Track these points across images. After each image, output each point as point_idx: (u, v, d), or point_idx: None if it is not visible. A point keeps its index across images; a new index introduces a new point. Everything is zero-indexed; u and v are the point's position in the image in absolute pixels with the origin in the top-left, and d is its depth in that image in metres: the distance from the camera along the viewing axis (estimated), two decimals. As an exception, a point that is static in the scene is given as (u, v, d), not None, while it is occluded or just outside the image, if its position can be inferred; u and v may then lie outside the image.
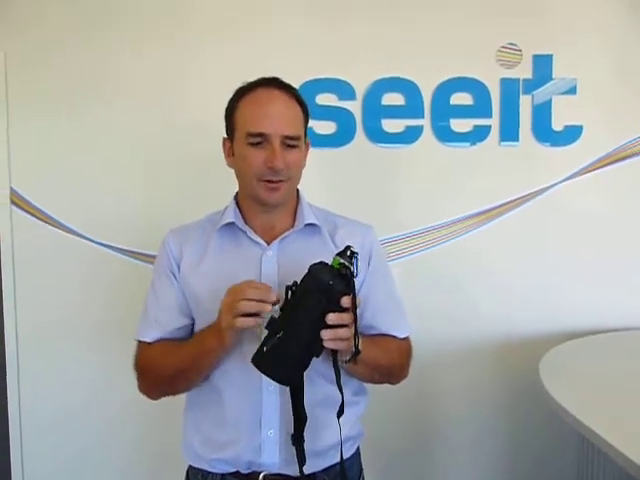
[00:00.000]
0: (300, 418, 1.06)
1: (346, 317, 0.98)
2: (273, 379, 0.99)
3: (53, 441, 1.98)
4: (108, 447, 1.98)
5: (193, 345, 1.11)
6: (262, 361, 0.97)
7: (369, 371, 1.15)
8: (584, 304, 2.01)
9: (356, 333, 1.00)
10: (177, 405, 1.22)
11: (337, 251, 0.99)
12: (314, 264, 0.98)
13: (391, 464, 2.01)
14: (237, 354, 1.08)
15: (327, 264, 0.98)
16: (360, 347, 1.02)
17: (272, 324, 0.98)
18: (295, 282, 0.98)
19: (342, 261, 0.97)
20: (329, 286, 0.95)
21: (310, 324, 0.96)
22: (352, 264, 0.98)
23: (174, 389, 1.18)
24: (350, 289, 0.98)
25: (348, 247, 0.99)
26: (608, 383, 1.54)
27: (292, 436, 1.07)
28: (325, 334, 0.96)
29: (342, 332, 0.98)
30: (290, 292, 0.98)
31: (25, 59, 1.87)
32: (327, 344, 0.97)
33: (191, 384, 1.16)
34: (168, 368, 1.12)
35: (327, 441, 1.12)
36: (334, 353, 1.01)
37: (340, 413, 1.04)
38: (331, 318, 0.96)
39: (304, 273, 0.98)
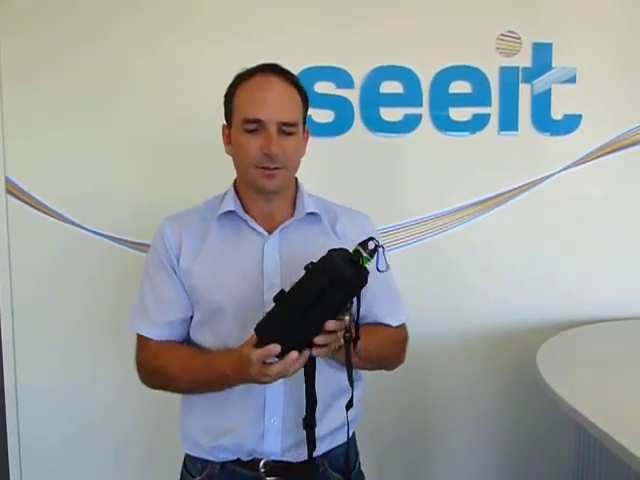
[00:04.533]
0: (311, 401, 1.06)
1: (340, 324, 0.98)
2: (263, 342, 0.99)
3: (49, 423, 1.97)
4: (103, 431, 1.98)
5: (210, 370, 1.10)
6: (259, 325, 0.99)
7: (359, 361, 1.14)
8: (583, 293, 2.01)
9: (357, 333, 1.01)
10: (174, 395, 1.21)
11: (360, 240, 0.98)
12: (334, 249, 0.98)
13: (388, 453, 2.02)
14: (241, 341, 1.07)
15: (349, 253, 0.97)
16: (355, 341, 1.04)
17: (279, 296, 0.99)
18: (312, 262, 0.98)
19: (366, 255, 0.96)
20: (338, 271, 0.95)
21: (308, 302, 0.96)
22: (369, 259, 0.96)
23: (181, 392, 1.19)
24: (360, 281, 0.97)
25: (371, 238, 0.97)
26: (606, 373, 1.55)
27: (303, 419, 1.07)
28: (319, 340, 0.98)
29: (331, 338, 0.99)
30: (305, 270, 0.98)
31: (19, 48, 1.84)
32: (317, 351, 1.00)
33: (196, 393, 1.17)
34: (181, 380, 1.13)
35: (326, 426, 1.12)
36: (347, 349, 1.02)
37: (349, 405, 1.07)
38: (330, 325, 0.97)
39: (305, 263, 0.98)
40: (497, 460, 2.08)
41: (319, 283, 0.95)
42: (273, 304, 0.99)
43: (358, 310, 1.01)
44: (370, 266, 0.98)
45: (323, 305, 0.96)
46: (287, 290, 0.98)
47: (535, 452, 2.06)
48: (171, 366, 1.13)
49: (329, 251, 0.98)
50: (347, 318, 0.99)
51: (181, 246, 1.16)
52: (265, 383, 1.03)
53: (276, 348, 0.97)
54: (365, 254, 0.96)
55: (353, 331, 1.01)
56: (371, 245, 0.96)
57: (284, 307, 0.98)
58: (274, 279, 1.12)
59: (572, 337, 1.84)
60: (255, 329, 0.99)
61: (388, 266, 0.98)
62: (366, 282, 0.98)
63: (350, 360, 1.03)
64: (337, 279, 0.95)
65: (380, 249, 0.97)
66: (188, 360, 1.13)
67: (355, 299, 1.01)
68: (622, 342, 1.81)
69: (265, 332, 0.99)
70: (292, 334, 0.98)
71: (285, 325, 0.97)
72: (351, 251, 0.97)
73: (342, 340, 1.01)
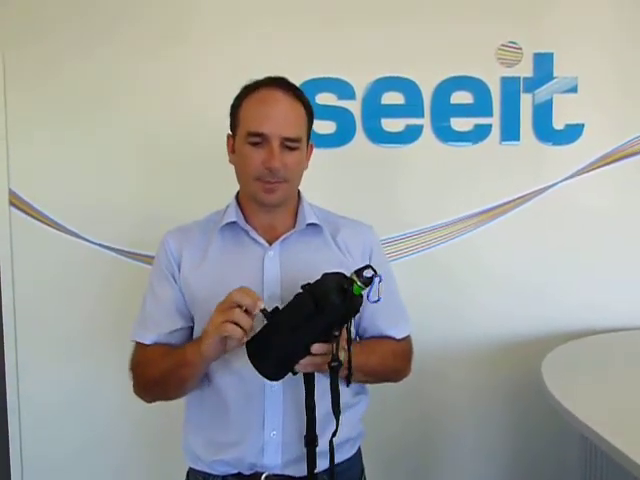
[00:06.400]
0: (311, 420, 1.06)
1: (328, 348, 0.97)
2: (251, 356, 0.99)
3: (51, 434, 1.97)
4: (105, 443, 1.98)
5: (175, 355, 1.09)
6: (251, 339, 0.99)
7: (361, 376, 1.14)
8: (587, 303, 1.99)
9: (350, 366, 1.00)
10: (176, 403, 1.20)
11: (357, 267, 0.96)
12: (330, 273, 0.97)
13: (392, 463, 2.00)
14: (240, 355, 1.06)
15: (343, 279, 0.95)
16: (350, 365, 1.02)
17: (272, 313, 0.98)
18: (309, 283, 0.97)
19: (359, 284, 0.93)
20: (326, 296, 0.93)
21: (294, 323, 0.95)
22: (362, 288, 0.94)
23: (162, 395, 1.18)
24: (348, 309, 0.95)
25: (368, 267, 0.95)
26: (610, 383, 1.53)
27: (305, 437, 1.07)
28: (303, 360, 0.98)
29: (318, 359, 0.99)
30: (302, 289, 0.97)
31: (24, 59, 1.86)
32: (299, 367, 0.99)
33: (173, 394, 1.15)
34: (153, 374, 1.12)
35: (327, 441, 1.09)
36: (332, 377, 1.00)
37: (333, 435, 1.05)
38: (315, 348, 0.97)
39: (306, 274, 0.98)
40: (501, 469, 2.06)
41: (307, 306, 0.95)
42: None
43: (349, 342, 0.99)
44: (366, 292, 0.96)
45: (310, 328, 0.95)
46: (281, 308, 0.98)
47: (539, 462, 2.04)
48: (152, 360, 1.13)
49: (323, 274, 0.97)
50: (334, 345, 0.96)
51: (182, 255, 1.16)
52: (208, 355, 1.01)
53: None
54: (359, 283, 0.93)
55: (341, 359, 0.98)
56: (367, 274, 0.94)
57: (273, 325, 0.97)
58: (274, 290, 1.11)
59: (576, 347, 1.82)
60: (246, 343, 0.99)
61: (380, 298, 0.96)
62: (357, 311, 0.96)
63: (337, 388, 1.01)
64: (324, 304, 0.93)
65: (376, 279, 0.94)
66: (163, 354, 1.12)
67: (346, 328, 0.98)
68: (627, 353, 1.80)
69: (254, 347, 0.98)
70: (279, 352, 0.98)
71: (273, 343, 0.97)
72: (347, 276, 0.95)
73: (328, 366, 0.99)
